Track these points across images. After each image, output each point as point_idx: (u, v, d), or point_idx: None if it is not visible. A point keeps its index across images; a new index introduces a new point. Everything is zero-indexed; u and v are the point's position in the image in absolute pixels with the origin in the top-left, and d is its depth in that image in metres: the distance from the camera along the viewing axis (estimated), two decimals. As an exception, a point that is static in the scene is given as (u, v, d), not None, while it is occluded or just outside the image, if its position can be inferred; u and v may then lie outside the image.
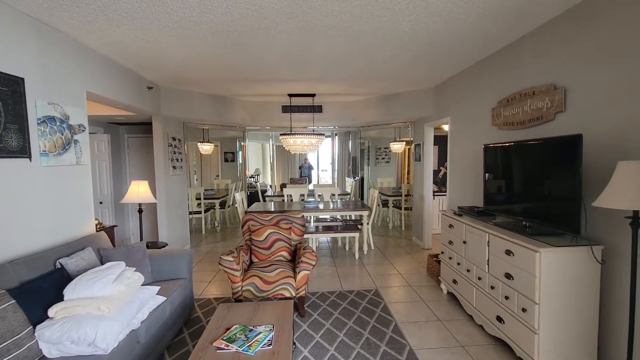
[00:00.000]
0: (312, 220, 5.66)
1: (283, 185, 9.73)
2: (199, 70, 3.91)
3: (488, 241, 2.64)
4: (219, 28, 2.70)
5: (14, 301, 1.72)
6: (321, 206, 5.21)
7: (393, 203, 7.15)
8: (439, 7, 2.37)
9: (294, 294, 3.03)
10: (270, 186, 11.31)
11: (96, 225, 3.39)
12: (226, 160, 10.27)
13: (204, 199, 6.95)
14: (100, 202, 5.13)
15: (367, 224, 5.19)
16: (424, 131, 5.31)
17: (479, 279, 2.79)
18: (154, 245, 3.75)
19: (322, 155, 12.07)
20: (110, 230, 3.60)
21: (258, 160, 11.67)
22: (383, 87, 5.02)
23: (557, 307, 2.09)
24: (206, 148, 7.64)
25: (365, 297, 3.53)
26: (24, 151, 2.34)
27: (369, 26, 2.69)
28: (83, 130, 2.97)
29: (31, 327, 1.75)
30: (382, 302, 3.40)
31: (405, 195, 6.72)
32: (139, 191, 3.28)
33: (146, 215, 5.51)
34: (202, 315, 3.20)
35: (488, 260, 2.65)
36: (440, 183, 6.85)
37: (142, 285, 2.40)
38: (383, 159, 9.58)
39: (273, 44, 3.06)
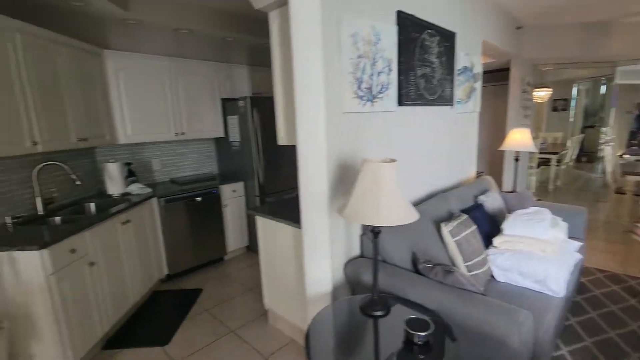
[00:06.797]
0: None
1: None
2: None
3: None
4: None
5: (475, 226, 2.04)
6: None
7: None
8: None
9: None
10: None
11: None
12: (554, 109, 8.62)
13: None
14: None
15: None
16: None
17: None
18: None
19: None
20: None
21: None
22: None
23: None
24: (542, 94, 6.63)
25: None
26: (450, 100, 2.71)
27: None
28: (479, 79, 3.12)
29: (485, 250, 2.04)
30: None
31: None
32: (519, 138, 3.17)
33: (485, 164, 5.57)
34: (587, 283, 2.83)
35: None
36: None
37: (557, 236, 2.30)
38: None
39: None
